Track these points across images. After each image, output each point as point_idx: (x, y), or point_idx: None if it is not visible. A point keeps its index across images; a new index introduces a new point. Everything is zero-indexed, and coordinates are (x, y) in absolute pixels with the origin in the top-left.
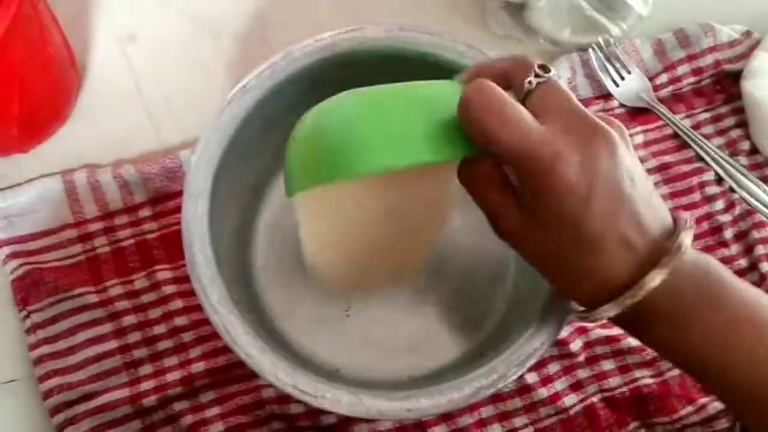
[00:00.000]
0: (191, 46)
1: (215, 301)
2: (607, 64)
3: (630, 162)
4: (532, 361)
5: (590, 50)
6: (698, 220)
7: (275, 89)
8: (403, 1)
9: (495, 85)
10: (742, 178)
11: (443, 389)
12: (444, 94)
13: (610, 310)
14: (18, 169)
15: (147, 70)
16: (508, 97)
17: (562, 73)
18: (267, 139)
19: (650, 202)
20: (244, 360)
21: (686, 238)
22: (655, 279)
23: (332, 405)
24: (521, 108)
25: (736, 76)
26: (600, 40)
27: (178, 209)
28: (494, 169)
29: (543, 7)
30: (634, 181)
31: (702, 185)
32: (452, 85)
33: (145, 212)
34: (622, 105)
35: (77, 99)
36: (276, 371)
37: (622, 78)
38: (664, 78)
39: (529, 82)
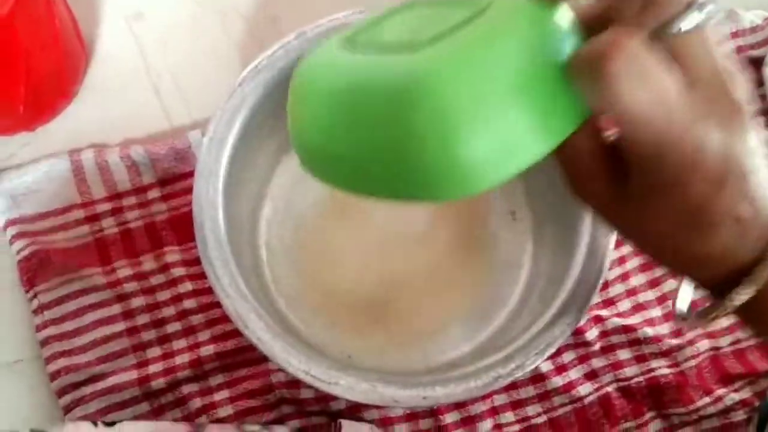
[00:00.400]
0: (199, 26)
1: (226, 285)
2: None
3: (757, 141)
4: (551, 350)
5: None
6: None
7: (288, 70)
8: None
9: (637, 37)
10: None
11: (460, 377)
12: (518, 32)
13: (745, 289)
14: (24, 149)
15: (155, 49)
16: (655, 59)
17: None
18: (278, 121)
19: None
20: (256, 344)
21: None
22: None
23: (345, 392)
24: (668, 74)
25: (758, 62)
26: None
27: (187, 191)
28: (595, 137)
29: None
30: (759, 161)
31: None
32: (519, 11)
33: (153, 193)
34: None
35: (84, 77)
36: (288, 357)
37: None
38: None
39: (678, 22)
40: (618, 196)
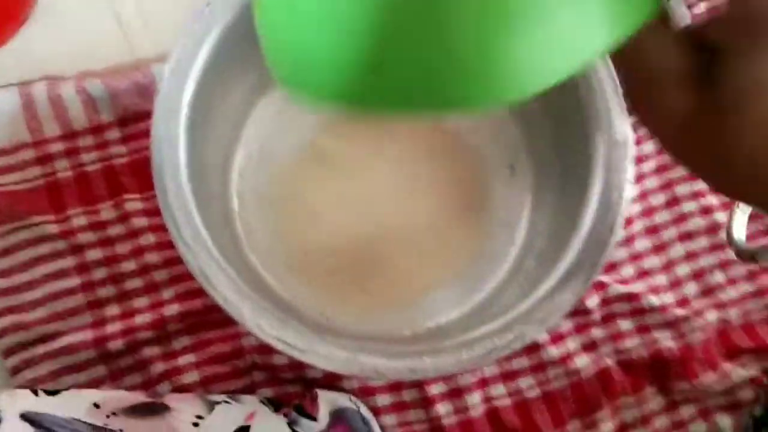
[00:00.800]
0: None
1: (189, 238)
2: None
3: None
4: (554, 321)
5: None
6: None
7: None
8: None
9: None
10: None
11: (451, 348)
12: None
13: None
14: None
15: None
16: None
17: None
18: (255, 51)
19: None
20: (222, 305)
21: None
22: None
23: (322, 361)
24: None
25: None
26: None
27: (150, 132)
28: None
29: None
30: None
31: None
32: None
33: (113, 133)
34: None
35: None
36: (259, 320)
37: None
38: (702, 6)
39: None
40: (705, 108)
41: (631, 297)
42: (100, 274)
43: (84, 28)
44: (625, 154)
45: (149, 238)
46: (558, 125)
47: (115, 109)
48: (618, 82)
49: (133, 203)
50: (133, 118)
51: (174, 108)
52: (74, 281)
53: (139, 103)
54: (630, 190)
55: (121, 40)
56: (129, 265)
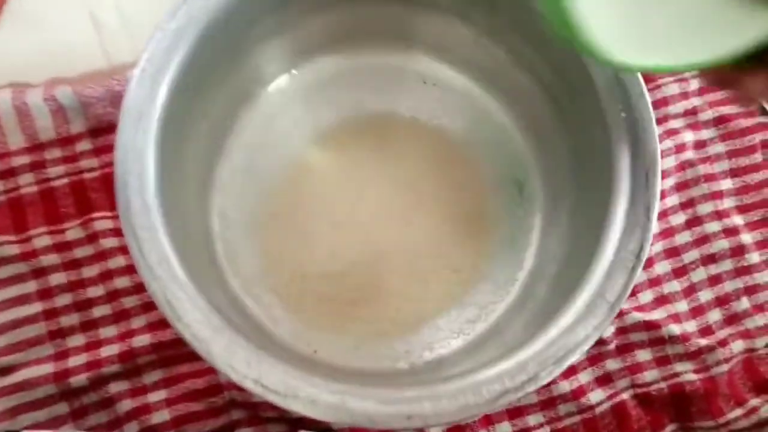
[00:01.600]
0: None
1: (153, 262)
2: None
3: None
4: (573, 359)
5: None
6: (757, 186)
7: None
8: None
9: None
10: None
11: (455, 390)
12: None
13: None
14: None
15: None
16: None
17: None
18: (240, 51)
19: None
20: (189, 342)
21: None
22: None
23: (306, 407)
24: None
25: None
26: None
27: None
28: None
29: None
30: None
31: (765, 144)
32: None
33: (83, 145)
34: None
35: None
36: (231, 359)
37: None
38: None
39: None
40: None
41: (649, 325)
42: (63, 300)
43: (57, 32)
44: (653, 172)
45: (119, 261)
46: (573, 138)
47: (86, 118)
48: (646, 90)
49: (103, 222)
50: (106, 128)
51: (143, 114)
52: (35, 308)
53: (114, 113)
54: (656, 209)
55: (97, 44)
56: (96, 291)
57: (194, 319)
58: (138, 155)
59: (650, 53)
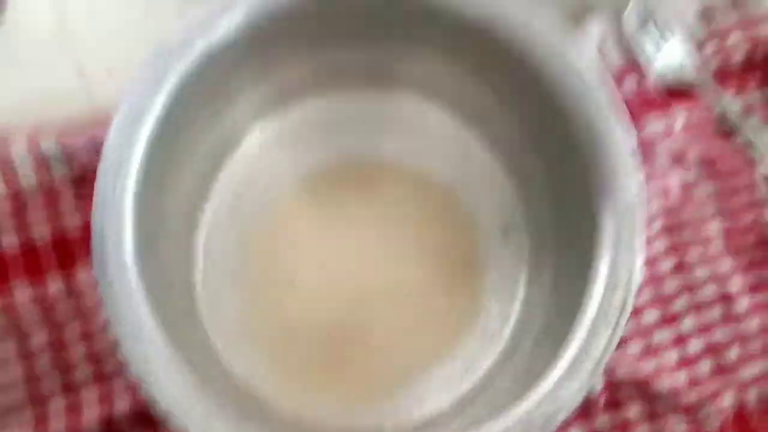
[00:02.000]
0: None
1: (129, 322)
2: (646, 25)
3: None
4: (560, 419)
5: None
6: (744, 230)
7: (247, 25)
8: None
9: None
10: None
11: None
12: None
13: None
14: None
15: (78, 9)
16: None
17: (590, 36)
18: (221, 97)
19: None
20: (164, 416)
21: None
22: None
23: None
24: None
25: None
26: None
27: None
28: None
29: None
30: None
31: (751, 185)
32: None
33: (66, 195)
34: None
35: None
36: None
37: (665, 39)
38: (710, 48)
39: None
40: None
41: (638, 380)
42: (44, 360)
43: (38, 76)
44: (637, 225)
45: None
46: (558, 184)
47: (70, 168)
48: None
49: (87, 276)
50: (90, 178)
51: (122, 164)
52: (15, 370)
53: (97, 160)
54: (641, 260)
55: (81, 88)
56: (78, 350)
57: (169, 390)
58: (115, 210)
59: None
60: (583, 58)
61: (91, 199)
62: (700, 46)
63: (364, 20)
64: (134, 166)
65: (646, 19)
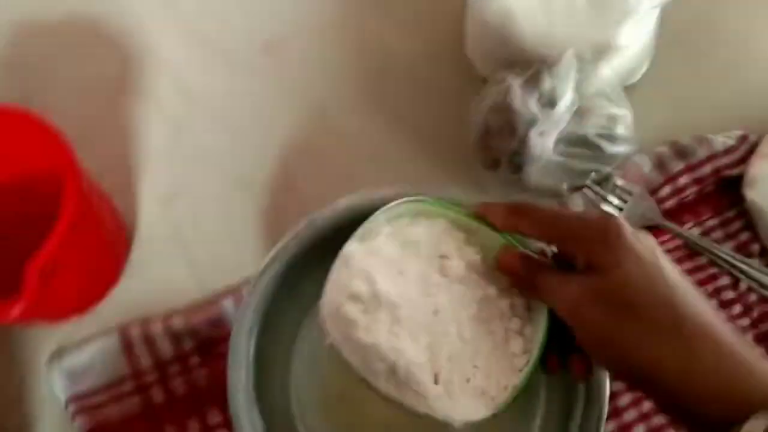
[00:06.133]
0: (226, 197)
1: None
2: (608, 196)
3: None
4: None
5: (585, 190)
6: None
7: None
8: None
9: None
10: (761, 276)
11: None
12: None
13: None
14: (78, 327)
15: (188, 224)
16: None
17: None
18: (294, 300)
19: None
20: None
21: None
22: None
23: None
24: None
25: (738, 180)
26: (593, 176)
27: (224, 354)
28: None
29: (538, 169)
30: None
31: (717, 291)
32: None
33: (194, 359)
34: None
35: (127, 261)
36: None
37: (625, 201)
38: (667, 190)
39: None
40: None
41: None
42: None
43: (165, 275)
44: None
45: None
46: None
47: (195, 340)
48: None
49: (215, 416)
50: (208, 344)
51: (243, 356)
52: None
53: (214, 330)
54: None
55: (195, 282)
56: None
57: None
58: (243, 392)
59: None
60: None
61: (212, 359)
62: (658, 188)
63: None
64: (250, 362)
65: (607, 189)
